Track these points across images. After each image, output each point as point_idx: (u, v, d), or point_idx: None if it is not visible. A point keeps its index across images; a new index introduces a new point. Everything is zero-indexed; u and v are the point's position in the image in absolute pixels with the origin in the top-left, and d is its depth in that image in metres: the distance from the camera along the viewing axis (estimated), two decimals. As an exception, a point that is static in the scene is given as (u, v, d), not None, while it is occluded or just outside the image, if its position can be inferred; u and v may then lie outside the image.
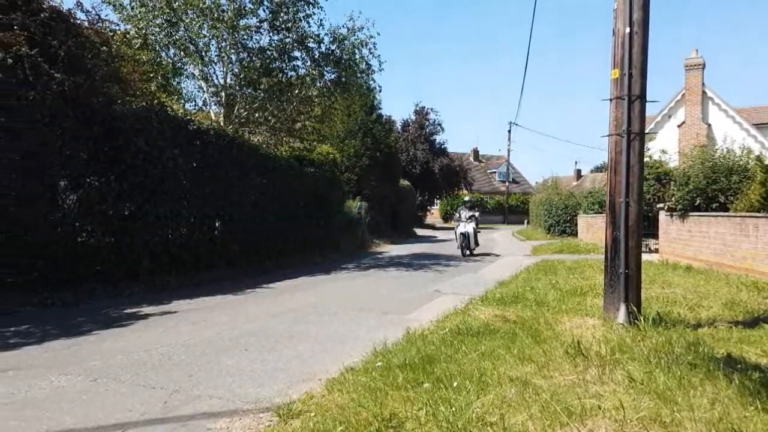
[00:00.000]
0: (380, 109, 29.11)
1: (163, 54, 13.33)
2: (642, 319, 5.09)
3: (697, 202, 11.77)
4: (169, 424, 3.35)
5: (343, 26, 14.59)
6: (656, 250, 14.47)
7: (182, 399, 3.77)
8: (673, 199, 12.78)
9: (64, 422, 3.34)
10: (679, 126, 24.30)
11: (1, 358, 4.76)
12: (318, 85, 14.91)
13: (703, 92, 23.90)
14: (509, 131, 50.39)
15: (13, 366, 4.52)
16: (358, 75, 15.44)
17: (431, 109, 43.52)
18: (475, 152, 65.42)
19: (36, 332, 5.79)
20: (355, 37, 14.65)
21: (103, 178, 8.81)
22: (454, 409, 3.11)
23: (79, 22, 8.80)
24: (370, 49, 14.94)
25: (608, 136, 5.55)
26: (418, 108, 43.40)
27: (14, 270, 7.63)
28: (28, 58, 7.24)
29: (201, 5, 12.49)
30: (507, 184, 54.86)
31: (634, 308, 5.24)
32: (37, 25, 7.73)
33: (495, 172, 63.00)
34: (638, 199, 5.35)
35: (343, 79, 14.99)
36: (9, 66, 6.98)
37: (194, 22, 12.90)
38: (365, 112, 26.80)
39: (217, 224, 11.75)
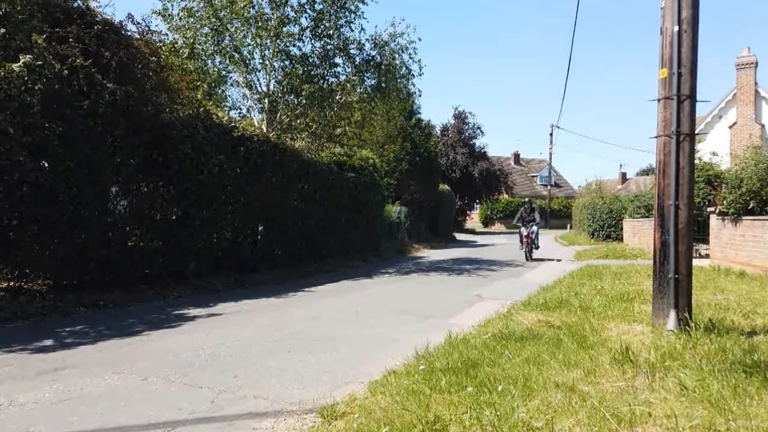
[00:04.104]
0: (419, 113, 29.18)
1: (209, 63, 13.69)
2: (693, 325, 4.92)
3: (751, 205, 11.31)
4: (217, 423, 3.43)
5: (384, 32, 14.69)
6: (707, 255, 13.98)
7: (229, 399, 3.86)
8: (724, 202, 12.32)
9: (118, 419, 3.46)
10: (730, 127, 23.47)
11: (58, 357, 4.96)
12: (358, 90, 15.03)
13: (756, 91, 23.02)
14: (551, 134, 49.36)
15: (69, 365, 4.70)
16: (398, 80, 15.50)
17: (470, 113, 43.28)
18: (516, 156, 64.61)
19: (90, 332, 6.02)
20: (396, 42, 14.72)
21: (151, 184, 9.12)
22: (498, 413, 3.07)
23: (129, 33, 9.17)
24: (410, 54, 15.00)
25: (656, 137, 5.41)
26: (457, 112, 43.21)
27: (69, 272, 7.97)
28: (82, 69, 7.56)
29: (246, 14, 12.79)
30: (549, 187, 53.93)
31: (685, 314, 5.07)
32: (91, 38, 8.07)
33: (536, 175, 62.08)
34: (688, 202, 5.19)
35: (383, 85, 15.06)
36: (65, 77, 7.30)
37: (239, 31, 13.22)
38: (404, 117, 26.86)
39: (260, 228, 11.98)
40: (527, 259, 16.01)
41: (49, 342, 5.54)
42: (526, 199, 18.19)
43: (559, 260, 16.18)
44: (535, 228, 16.27)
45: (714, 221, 13.20)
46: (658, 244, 5.35)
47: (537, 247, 16.69)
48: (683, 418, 2.95)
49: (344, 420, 3.28)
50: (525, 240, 16.32)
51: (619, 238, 23.60)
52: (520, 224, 16.68)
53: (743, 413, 3.00)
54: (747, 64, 22.89)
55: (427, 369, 4.10)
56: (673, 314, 5.06)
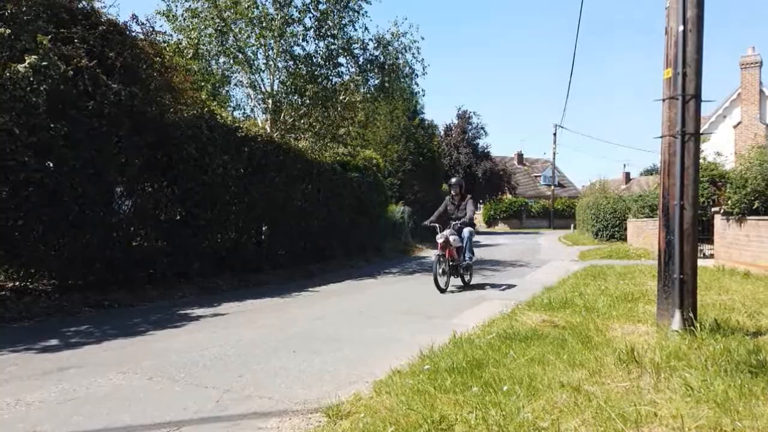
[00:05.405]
0: (423, 113, 29.22)
1: (213, 63, 13.72)
2: (698, 326, 4.91)
3: (755, 205, 11.28)
4: (222, 422, 3.43)
5: (387, 31, 14.70)
6: (711, 256, 13.94)
7: (233, 398, 3.86)
8: (729, 202, 12.28)
9: (123, 419, 3.46)
10: (734, 126, 23.41)
11: (63, 357, 4.97)
12: (362, 90, 15.05)
13: (761, 91, 22.96)
14: (554, 134, 49.31)
15: (74, 364, 4.72)
16: (402, 80, 15.50)
17: (474, 113, 43.37)
18: (519, 156, 64.58)
19: (95, 332, 6.04)
20: (399, 42, 14.73)
21: (156, 184, 9.15)
22: (504, 413, 3.07)
23: (134, 34, 9.16)
24: (413, 53, 15.01)
25: (661, 137, 5.40)
26: (460, 112, 43.30)
27: (74, 272, 8.00)
28: (87, 70, 7.58)
29: (250, 15, 12.81)
30: (552, 187, 53.85)
31: (690, 315, 5.06)
32: (96, 38, 8.09)
33: (540, 175, 62.04)
34: (693, 202, 5.18)
35: (387, 85, 15.07)
36: (70, 78, 7.32)
37: (243, 31, 13.24)
38: (408, 117, 26.90)
39: (263, 229, 11.99)
40: (442, 290, 9.07)
41: (54, 342, 5.55)
42: (453, 180, 10.46)
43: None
44: (466, 232, 9.73)
45: (718, 221, 13.17)
46: (662, 244, 5.35)
47: (467, 266, 9.81)
48: (689, 418, 2.94)
49: (349, 419, 3.28)
50: (443, 252, 9.32)
51: (623, 239, 23.55)
52: (437, 225, 9.82)
53: (749, 413, 2.99)
54: (752, 63, 22.84)
55: (432, 369, 4.10)
56: (677, 314, 5.05)
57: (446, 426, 3.02)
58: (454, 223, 9.74)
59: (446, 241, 9.33)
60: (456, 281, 9.92)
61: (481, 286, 10.26)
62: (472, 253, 9.93)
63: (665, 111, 5.33)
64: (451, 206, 10.22)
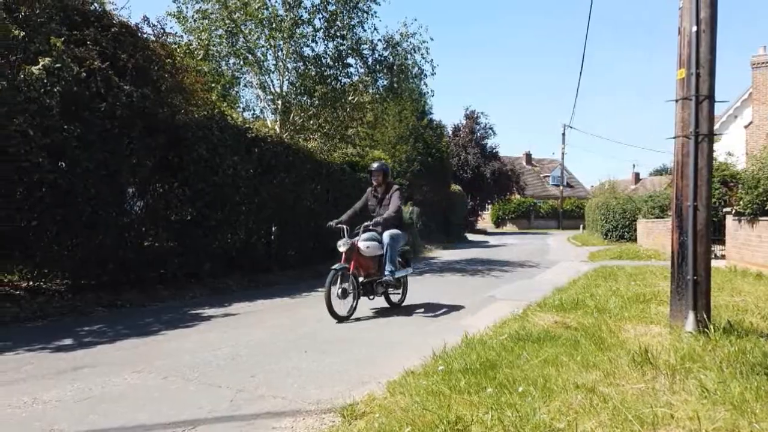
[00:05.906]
0: (431, 114, 29.18)
1: (224, 64, 13.78)
2: (712, 327, 4.89)
3: (768, 206, 11.20)
4: (236, 422, 3.44)
5: (396, 32, 14.70)
6: (723, 256, 13.84)
7: (247, 398, 3.88)
8: (741, 202, 12.19)
9: (138, 418, 3.49)
10: (746, 126, 23.21)
11: (77, 356, 5.01)
12: (371, 91, 15.05)
13: (772, 91, 22.74)
14: (563, 134, 49.11)
15: (89, 364, 4.75)
16: (410, 80, 15.50)
17: (482, 113, 43.24)
18: (528, 156, 64.41)
19: (108, 332, 6.08)
20: (408, 42, 14.73)
21: (167, 185, 9.20)
22: (519, 414, 3.07)
23: (145, 36, 9.23)
24: (422, 54, 15.00)
25: (674, 138, 5.38)
26: (468, 112, 43.18)
27: (87, 272, 8.06)
28: (100, 72, 7.64)
29: (260, 16, 12.86)
30: (561, 188, 53.64)
31: (704, 316, 5.04)
32: (108, 40, 8.16)
33: (548, 176, 61.84)
34: (706, 203, 5.15)
35: (395, 85, 15.07)
36: (83, 79, 7.37)
37: (253, 32, 13.28)
38: (416, 117, 26.87)
39: (273, 229, 12.02)
40: (340, 318, 6.58)
41: (68, 341, 5.60)
42: (374, 165, 7.74)
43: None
44: (386, 236, 7.25)
45: (730, 222, 13.07)
46: (676, 245, 5.32)
47: (387, 282, 7.24)
48: (706, 420, 2.93)
49: (364, 420, 3.29)
50: (345, 265, 6.92)
51: (633, 239, 23.44)
52: (343, 227, 7.38)
53: (766, 416, 2.97)
54: (763, 62, 22.61)
55: (445, 369, 4.10)
56: (691, 316, 5.03)
57: (462, 426, 3.02)
58: (366, 224, 7.38)
59: (351, 249, 7.02)
60: (378, 301, 7.71)
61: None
62: (396, 266, 7.34)
63: (678, 112, 5.31)
64: (373, 200, 7.68)
